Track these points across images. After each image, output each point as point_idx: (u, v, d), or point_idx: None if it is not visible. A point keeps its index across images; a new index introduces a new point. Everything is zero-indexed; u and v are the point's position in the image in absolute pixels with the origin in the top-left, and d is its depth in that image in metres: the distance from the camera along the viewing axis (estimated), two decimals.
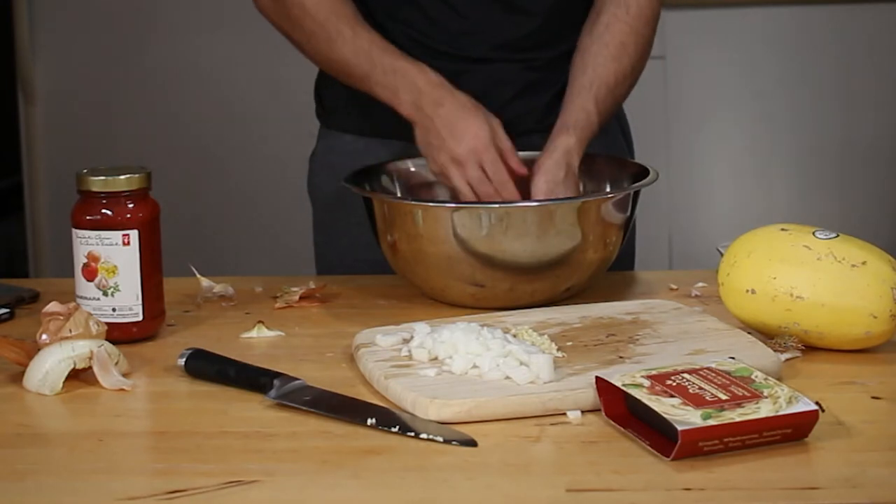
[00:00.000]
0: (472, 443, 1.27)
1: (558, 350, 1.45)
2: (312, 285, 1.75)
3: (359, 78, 1.81)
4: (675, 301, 1.63)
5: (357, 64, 1.81)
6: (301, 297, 1.72)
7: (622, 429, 1.29)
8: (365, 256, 1.88)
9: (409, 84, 1.78)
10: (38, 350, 1.46)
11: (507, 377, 1.37)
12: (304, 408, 1.35)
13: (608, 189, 1.79)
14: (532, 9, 1.89)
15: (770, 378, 1.31)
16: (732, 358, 1.36)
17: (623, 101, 1.88)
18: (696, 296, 1.71)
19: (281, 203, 3.58)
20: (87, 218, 1.57)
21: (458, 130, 1.74)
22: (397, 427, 1.30)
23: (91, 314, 1.50)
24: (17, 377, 1.46)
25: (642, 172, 1.76)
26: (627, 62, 1.83)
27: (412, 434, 1.29)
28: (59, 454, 1.30)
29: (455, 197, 1.75)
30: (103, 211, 1.56)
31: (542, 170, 1.74)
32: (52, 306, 1.50)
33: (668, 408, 1.24)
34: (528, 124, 1.92)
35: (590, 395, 1.33)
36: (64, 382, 1.43)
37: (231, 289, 1.75)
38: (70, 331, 1.47)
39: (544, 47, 1.91)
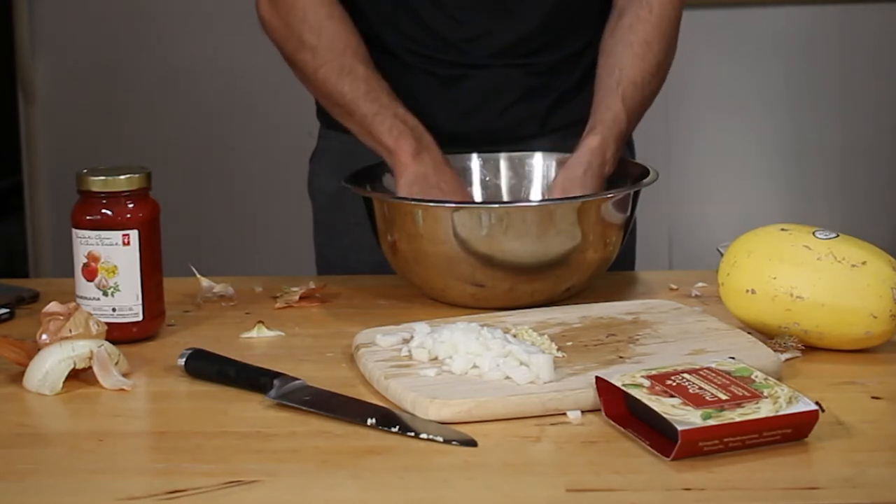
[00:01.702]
0: (472, 443, 1.27)
1: (558, 350, 1.45)
2: (312, 285, 1.75)
3: (361, 114, 1.80)
4: (675, 301, 1.63)
5: (365, 102, 1.79)
6: (301, 297, 1.72)
7: (622, 429, 1.29)
8: (365, 258, 1.88)
9: (416, 135, 1.77)
10: (38, 350, 1.46)
11: (507, 377, 1.37)
12: (304, 408, 1.35)
13: (608, 189, 1.79)
14: (528, 14, 1.88)
15: (770, 378, 1.31)
16: (732, 358, 1.36)
17: (653, 99, 1.86)
18: (696, 296, 1.71)
19: (281, 203, 3.58)
20: (87, 218, 1.57)
21: (460, 193, 1.76)
22: (397, 427, 1.30)
23: (91, 314, 1.50)
24: (17, 377, 1.46)
25: (642, 172, 1.76)
26: (653, 60, 1.83)
27: (412, 434, 1.29)
28: (59, 454, 1.30)
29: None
30: (103, 211, 1.56)
31: (563, 168, 1.75)
32: (52, 306, 1.50)
33: (668, 408, 1.24)
34: (529, 129, 1.92)
35: (590, 395, 1.33)
36: (64, 382, 1.43)
37: (231, 289, 1.75)
38: (70, 331, 1.48)
39: (544, 52, 1.91)
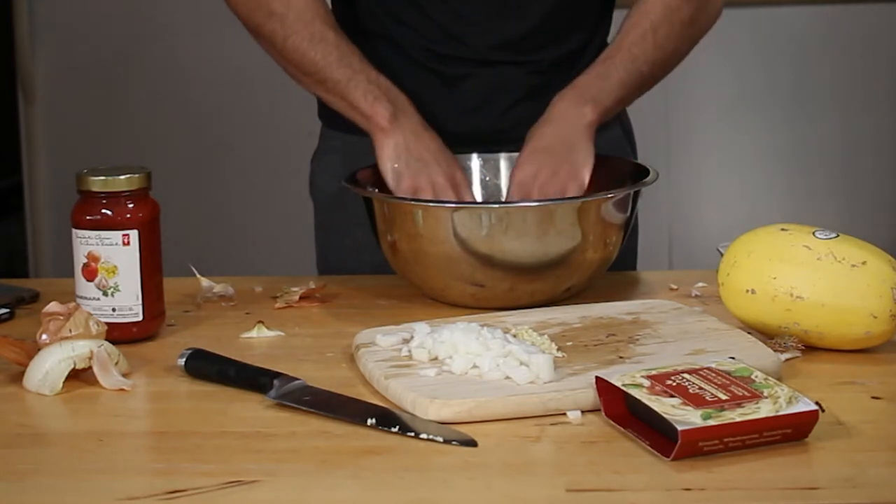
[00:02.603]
0: (472, 443, 1.27)
1: (558, 350, 1.45)
2: (312, 285, 1.75)
3: (335, 80, 1.80)
4: (675, 301, 1.63)
5: (338, 67, 1.80)
6: (301, 297, 1.72)
7: (622, 429, 1.29)
8: (366, 258, 1.88)
9: (391, 98, 1.78)
10: (38, 350, 1.46)
11: (507, 377, 1.37)
12: (304, 408, 1.35)
13: (608, 189, 1.79)
14: (528, 10, 1.88)
15: (770, 378, 1.31)
16: (732, 358, 1.36)
17: (652, 55, 1.83)
18: (696, 296, 1.71)
19: (281, 203, 3.58)
20: (87, 218, 1.57)
21: (431, 165, 1.76)
22: (397, 427, 1.30)
23: (91, 314, 1.50)
24: (17, 377, 1.46)
25: (642, 172, 1.76)
26: (647, 24, 1.82)
27: (412, 434, 1.29)
28: (59, 454, 1.30)
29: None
30: (103, 211, 1.56)
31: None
32: (52, 306, 1.50)
33: (668, 408, 1.24)
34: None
35: (590, 395, 1.33)
36: (64, 382, 1.43)
37: (231, 289, 1.75)
38: (70, 331, 1.47)
39: (546, 48, 1.91)
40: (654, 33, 1.83)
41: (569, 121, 1.77)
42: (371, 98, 1.78)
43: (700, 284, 1.74)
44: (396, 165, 1.75)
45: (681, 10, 1.85)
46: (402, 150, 1.76)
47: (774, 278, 1.49)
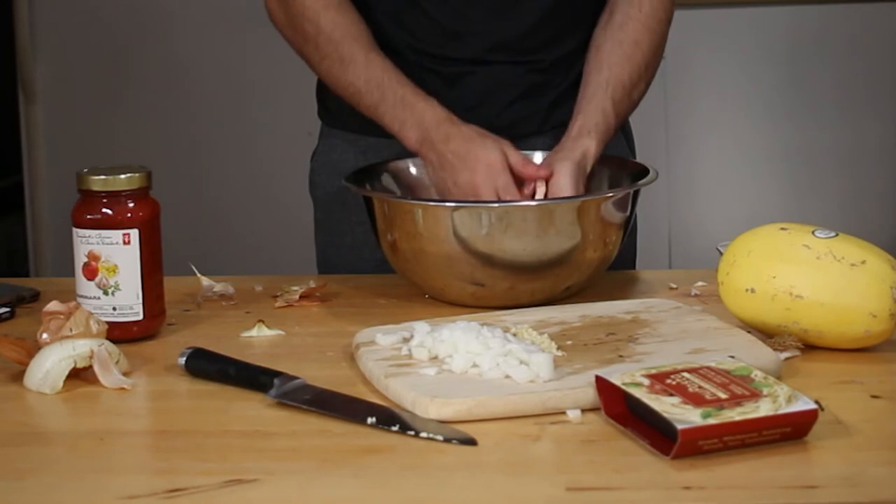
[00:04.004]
0: (471, 441, 1.27)
1: (558, 349, 1.45)
2: (313, 284, 1.75)
3: (367, 106, 1.81)
4: (674, 300, 1.63)
5: (367, 92, 1.81)
6: (301, 297, 1.72)
7: (622, 427, 1.29)
8: (367, 256, 1.89)
9: (416, 119, 1.78)
10: (39, 349, 1.46)
11: (507, 376, 1.37)
12: (305, 407, 1.36)
13: (608, 188, 1.79)
14: (527, 10, 1.89)
15: (769, 377, 1.31)
16: (732, 357, 1.36)
17: (639, 102, 1.86)
18: (696, 295, 1.71)
19: (281, 203, 3.58)
20: (88, 217, 1.57)
21: (470, 161, 1.73)
22: (397, 426, 1.30)
23: (91, 313, 1.50)
24: (18, 376, 1.46)
25: (642, 172, 1.76)
26: (641, 60, 1.83)
27: (412, 433, 1.29)
28: (60, 453, 1.30)
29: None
30: (104, 210, 1.57)
31: (565, 171, 1.73)
32: (53, 305, 1.50)
33: (668, 407, 1.25)
34: (529, 127, 1.92)
35: (590, 394, 1.33)
36: (64, 381, 1.43)
37: (231, 288, 1.76)
38: (71, 330, 1.48)
39: (545, 48, 1.91)
40: (645, 71, 1.84)
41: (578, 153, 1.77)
42: (398, 124, 1.79)
43: (700, 283, 1.74)
44: (444, 175, 1.75)
45: (662, 38, 1.86)
46: (438, 178, 1.76)
47: (774, 277, 1.49)
